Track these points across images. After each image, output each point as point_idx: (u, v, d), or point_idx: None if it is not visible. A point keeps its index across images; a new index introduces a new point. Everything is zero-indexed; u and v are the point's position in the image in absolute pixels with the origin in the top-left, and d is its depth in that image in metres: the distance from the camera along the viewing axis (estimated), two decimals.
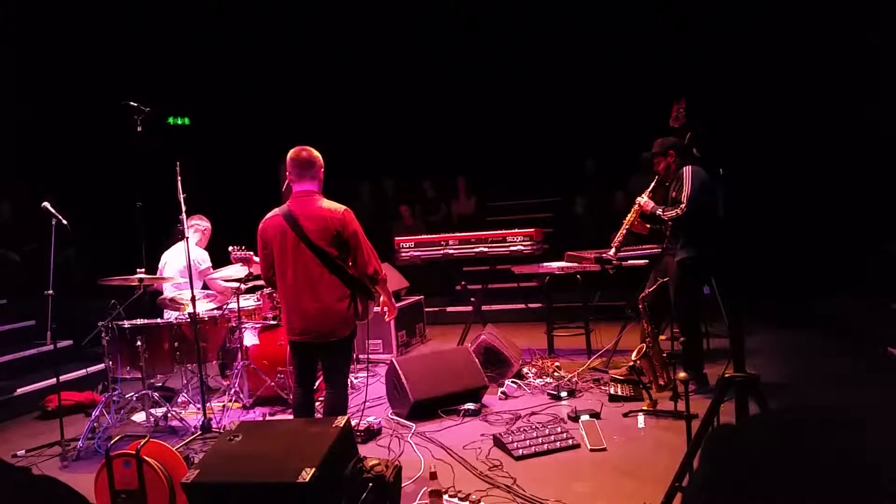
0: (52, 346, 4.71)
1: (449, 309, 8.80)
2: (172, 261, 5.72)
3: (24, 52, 7.77)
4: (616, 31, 9.37)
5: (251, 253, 4.88)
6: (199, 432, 4.48)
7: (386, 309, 4.05)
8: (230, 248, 4.99)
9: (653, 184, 5.17)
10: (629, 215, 5.20)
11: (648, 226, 5.23)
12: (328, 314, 3.67)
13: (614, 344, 5.89)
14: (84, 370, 5.74)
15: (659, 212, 4.95)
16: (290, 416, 4.44)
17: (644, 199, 5.09)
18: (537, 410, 4.77)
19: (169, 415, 4.82)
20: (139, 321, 4.82)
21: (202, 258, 5.72)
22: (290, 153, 3.76)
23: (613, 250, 5.24)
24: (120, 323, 4.74)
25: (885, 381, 4.95)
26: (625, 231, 5.21)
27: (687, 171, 4.87)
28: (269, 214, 3.77)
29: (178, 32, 9.06)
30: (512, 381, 5.30)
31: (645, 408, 4.52)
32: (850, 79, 7.24)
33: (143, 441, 3.24)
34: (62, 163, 7.99)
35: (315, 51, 10.29)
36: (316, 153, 3.77)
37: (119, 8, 8.46)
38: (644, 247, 5.85)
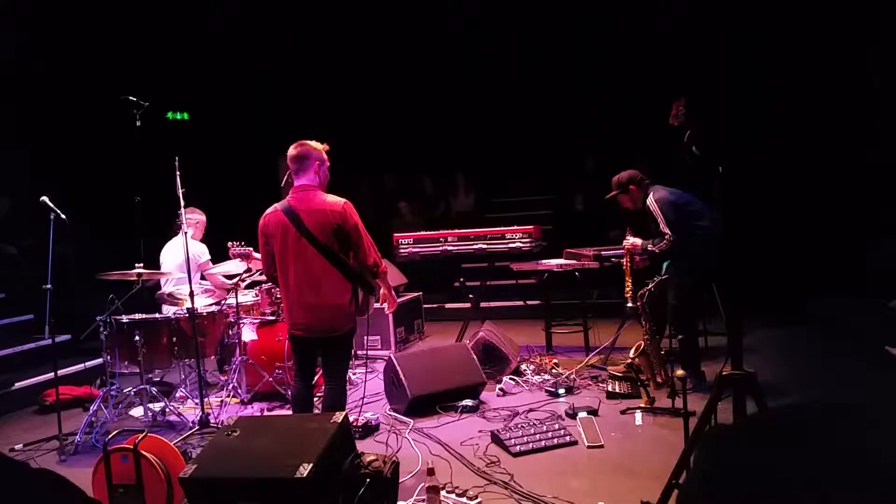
0: (50, 341, 4.72)
1: (447, 305, 8.80)
2: (171, 255, 5.72)
3: (24, 46, 7.75)
4: (616, 30, 9.36)
5: (250, 249, 4.88)
6: (197, 427, 4.48)
7: (386, 302, 4.05)
8: (229, 244, 4.99)
9: (629, 219, 5.20)
10: (623, 261, 5.18)
11: (645, 259, 5.25)
12: (330, 309, 3.68)
13: (612, 341, 5.90)
14: (82, 364, 5.73)
15: (650, 247, 4.96)
16: (289, 412, 4.45)
17: (630, 242, 5.10)
18: (535, 407, 4.77)
19: (167, 409, 4.82)
20: (137, 316, 4.83)
21: (201, 251, 5.72)
22: (290, 149, 3.78)
23: (630, 303, 5.09)
24: (118, 317, 4.74)
25: (883, 380, 4.95)
26: (629, 278, 5.13)
27: (651, 201, 4.90)
28: (269, 210, 3.78)
29: (178, 27, 9.03)
30: (510, 378, 5.30)
31: (642, 405, 4.53)
32: (848, 78, 7.23)
33: (140, 436, 3.24)
34: (61, 157, 7.97)
35: (314, 47, 10.27)
36: (314, 148, 3.78)
37: (119, 2, 8.44)
38: None
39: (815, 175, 7.35)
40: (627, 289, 5.11)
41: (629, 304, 5.06)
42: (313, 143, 3.81)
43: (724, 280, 5.15)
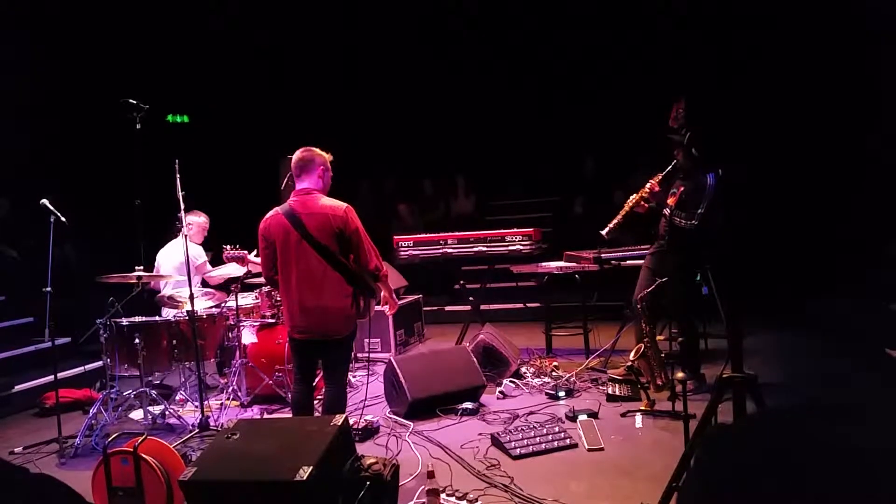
0: (50, 343, 4.71)
1: (447, 308, 8.80)
2: (169, 258, 5.71)
3: (24, 49, 7.75)
4: (616, 30, 9.37)
5: (245, 252, 4.88)
6: (197, 430, 4.48)
7: (386, 304, 4.06)
8: (224, 248, 4.99)
9: (668, 168, 5.02)
10: (634, 196, 5.04)
11: (646, 205, 5.06)
12: (331, 312, 3.69)
13: (612, 344, 5.89)
14: (82, 367, 5.73)
15: (666, 211, 4.88)
16: (289, 414, 4.44)
17: (658, 188, 4.94)
18: (535, 410, 4.77)
19: (167, 412, 4.82)
20: (137, 319, 4.82)
21: (198, 253, 5.72)
22: (295, 153, 3.83)
23: (608, 228, 5.12)
24: (118, 320, 4.74)
25: (883, 382, 4.95)
26: (627, 210, 5.05)
27: (710, 181, 4.77)
28: (270, 213, 3.79)
29: (178, 29, 9.05)
30: (510, 381, 5.30)
31: (643, 408, 4.52)
32: (848, 79, 7.24)
33: (140, 439, 3.25)
34: (61, 160, 7.98)
35: (315, 49, 10.28)
36: (318, 153, 3.83)
37: (119, 5, 8.45)
38: (640, 247, 5.84)
39: (816, 176, 7.35)
40: (612, 223, 5.14)
41: (603, 232, 5.18)
42: (319, 151, 3.84)
43: (723, 280, 5.13)
